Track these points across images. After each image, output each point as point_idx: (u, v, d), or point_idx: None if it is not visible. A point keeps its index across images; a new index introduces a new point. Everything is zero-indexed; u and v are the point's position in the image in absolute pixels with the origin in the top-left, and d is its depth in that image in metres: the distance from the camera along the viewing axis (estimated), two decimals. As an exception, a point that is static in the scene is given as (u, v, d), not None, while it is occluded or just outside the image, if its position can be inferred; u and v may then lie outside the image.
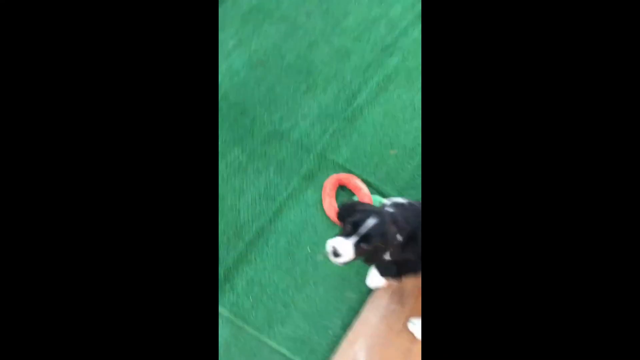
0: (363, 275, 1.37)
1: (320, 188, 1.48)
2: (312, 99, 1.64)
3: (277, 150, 1.54)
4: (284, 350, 1.26)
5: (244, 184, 1.49)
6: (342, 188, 1.49)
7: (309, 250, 1.40)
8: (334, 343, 1.28)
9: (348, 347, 1.22)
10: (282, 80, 1.66)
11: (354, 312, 1.33)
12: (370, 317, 1.25)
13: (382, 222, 1.02)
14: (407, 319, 1.23)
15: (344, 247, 1.00)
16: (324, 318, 1.31)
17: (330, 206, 1.43)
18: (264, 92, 1.64)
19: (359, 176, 1.48)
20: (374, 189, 1.47)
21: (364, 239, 1.00)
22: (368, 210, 1.05)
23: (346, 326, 1.30)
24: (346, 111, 1.61)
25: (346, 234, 1.02)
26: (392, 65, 1.70)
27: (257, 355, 1.25)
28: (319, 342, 1.29)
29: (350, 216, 1.05)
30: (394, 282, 1.23)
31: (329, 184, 1.46)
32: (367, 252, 1.03)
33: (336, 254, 1.00)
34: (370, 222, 1.01)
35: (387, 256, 1.08)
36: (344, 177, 1.48)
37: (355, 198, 1.46)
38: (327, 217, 1.43)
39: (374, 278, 1.29)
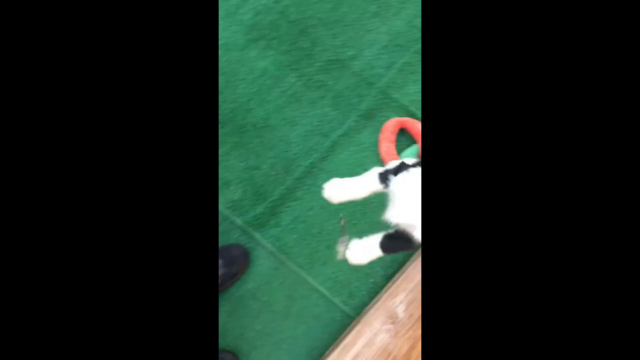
0: (412, 229, 1.31)
1: (378, 129, 1.35)
2: (382, 24, 1.43)
3: (335, 80, 1.39)
4: (323, 290, 1.27)
5: (296, 114, 1.38)
6: (402, 132, 1.36)
7: (359, 196, 1.33)
8: (374, 291, 1.28)
9: (389, 298, 1.21)
10: (350, -4, 1.45)
11: (397, 264, 1.30)
12: (415, 275, 1.22)
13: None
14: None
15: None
16: (366, 265, 1.29)
17: (388, 152, 1.32)
18: (328, 10, 1.44)
19: (423, 121, 1.34)
20: (438, 138, 1.34)
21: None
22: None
23: (388, 277, 1.28)
24: (419, 43, 1.41)
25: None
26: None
27: (297, 290, 1.27)
28: (358, 287, 1.28)
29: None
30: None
31: (390, 126, 1.33)
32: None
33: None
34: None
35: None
36: (407, 120, 1.34)
37: (415, 146, 1.33)
38: (382, 163, 1.33)
39: (357, 253, 1.02)
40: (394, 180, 0.87)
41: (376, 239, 0.94)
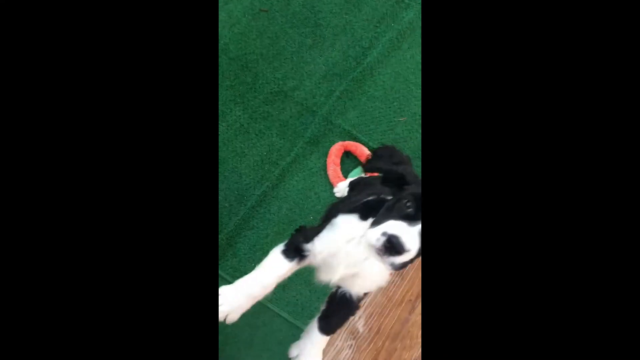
0: (365, 245, 1.38)
1: (325, 154, 1.43)
2: (318, 55, 1.53)
3: (280, 111, 1.46)
4: (285, 315, 1.30)
5: (245, 146, 1.43)
6: (347, 155, 1.44)
7: (312, 219, 1.38)
8: (334, 310, 1.32)
9: (347, 315, 1.26)
10: (286, 31, 1.53)
11: (354, 280, 1.36)
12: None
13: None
14: (406, 292, 1.27)
15: (411, 238, 0.65)
16: (324, 286, 1.34)
17: (335, 174, 1.39)
18: (267, 45, 1.51)
19: (365, 144, 1.43)
20: (380, 157, 1.43)
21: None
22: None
23: (346, 294, 1.34)
24: (355, 71, 1.51)
25: (407, 216, 0.67)
26: (406, 20, 1.56)
27: (259, 319, 1.29)
28: (318, 307, 1.32)
29: (401, 177, 0.72)
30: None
31: (335, 150, 1.41)
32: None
33: (396, 248, 0.65)
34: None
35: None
36: (350, 144, 1.42)
37: (359, 168, 1.42)
38: (332, 185, 1.40)
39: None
40: (314, 247, 0.77)
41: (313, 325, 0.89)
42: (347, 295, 0.84)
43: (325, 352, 1.24)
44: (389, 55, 1.53)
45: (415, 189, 0.70)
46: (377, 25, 1.56)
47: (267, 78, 1.48)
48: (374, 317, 1.27)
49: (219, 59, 1.46)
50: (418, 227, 0.66)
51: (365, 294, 0.88)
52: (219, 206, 1.36)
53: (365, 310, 1.27)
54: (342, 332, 1.25)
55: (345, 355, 1.23)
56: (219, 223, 1.35)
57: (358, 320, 1.26)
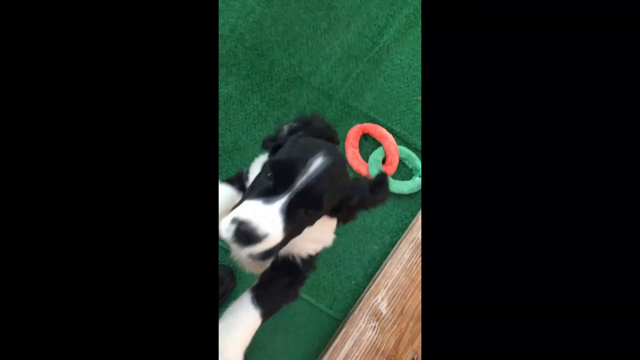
0: (385, 228, 1.37)
1: (343, 138, 1.42)
2: (334, 38, 1.51)
3: (297, 97, 1.46)
4: (308, 297, 1.32)
5: (264, 134, 1.44)
6: (365, 137, 1.43)
7: (332, 203, 1.39)
8: (357, 292, 1.33)
9: (370, 296, 1.26)
10: (300, 17, 1.53)
11: (376, 263, 1.35)
12: (393, 270, 1.27)
13: (335, 163, 0.58)
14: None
15: (269, 220, 0.53)
16: (347, 268, 1.35)
17: (354, 156, 1.38)
18: (281, 32, 1.52)
19: (383, 125, 1.41)
20: (400, 139, 1.40)
21: (303, 198, 0.55)
22: (311, 141, 0.61)
23: (369, 277, 1.34)
24: (371, 51, 1.49)
25: (266, 191, 0.55)
26: (423, -6, 1.51)
27: (283, 302, 1.32)
28: (342, 290, 1.33)
29: (275, 149, 0.61)
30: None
31: (353, 133, 1.40)
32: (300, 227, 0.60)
33: (248, 236, 0.52)
34: (319, 163, 0.56)
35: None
36: (368, 126, 1.41)
37: (381, 148, 1.40)
38: (351, 168, 1.40)
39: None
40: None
41: None
42: (290, 258, 0.70)
43: (348, 334, 1.25)
44: (406, 32, 1.49)
45: (283, 154, 0.57)
46: (393, 2, 1.52)
47: (283, 65, 1.49)
48: (397, 299, 1.26)
49: (236, 49, 1.48)
50: (279, 203, 0.53)
51: (312, 257, 0.73)
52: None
53: (387, 291, 1.27)
54: (364, 314, 1.25)
55: (369, 336, 1.23)
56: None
57: (381, 302, 1.26)
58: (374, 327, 1.24)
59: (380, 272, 1.29)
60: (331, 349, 1.23)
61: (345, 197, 0.63)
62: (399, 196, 1.37)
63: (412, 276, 1.27)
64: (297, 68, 1.49)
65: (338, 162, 0.59)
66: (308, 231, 0.63)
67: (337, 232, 1.32)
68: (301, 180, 0.55)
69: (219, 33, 1.49)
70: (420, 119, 1.41)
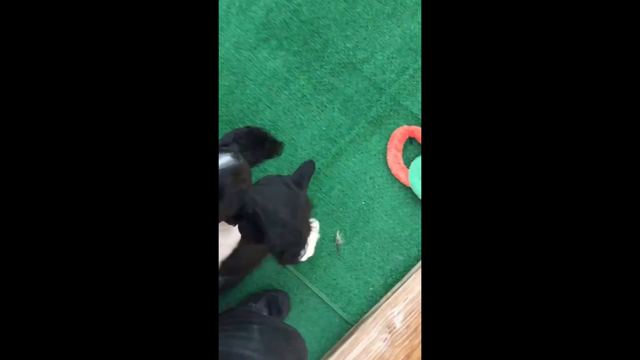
0: (415, 240, 1.31)
1: (387, 137, 1.34)
2: (396, 26, 1.39)
3: (346, 84, 1.37)
4: (322, 296, 1.29)
5: (305, 118, 1.37)
6: (410, 141, 1.34)
7: (364, 204, 1.33)
8: (373, 300, 1.29)
9: (387, 308, 1.23)
10: (365, -4, 1.40)
11: (398, 274, 1.31)
12: (415, 286, 1.23)
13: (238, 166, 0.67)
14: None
15: None
16: (366, 274, 1.31)
17: (395, 160, 1.31)
18: (342, 10, 1.40)
19: (433, 131, 1.31)
20: (447, 149, 1.32)
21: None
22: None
23: (388, 287, 1.30)
24: (434, 48, 1.37)
25: None
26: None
27: (297, 295, 1.29)
28: (358, 294, 1.30)
29: None
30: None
31: (399, 134, 1.32)
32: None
33: None
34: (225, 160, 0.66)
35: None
36: (416, 129, 1.32)
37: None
38: (389, 171, 1.32)
39: None
40: None
41: None
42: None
43: (358, 340, 1.22)
44: (476, 33, 1.36)
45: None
46: None
47: (337, 47, 1.38)
48: (413, 315, 1.22)
49: (290, 21, 1.38)
50: None
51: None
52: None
53: (406, 306, 1.23)
54: (378, 324, 1.22)
55: (379, 347, 1.21)
56: (270, 194, 1.33)
57: (397, 315, 1.22)
58: (385, 338, 1.21)
59: (401, 285, 1.24)
60: (338, 351, 1.21)
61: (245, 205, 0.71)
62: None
63: (434, 296, 1.23)
64: (351, 52, 1.38)
65: (244, 167, 0.69)
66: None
67: (362, 236, 1.27)
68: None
69: None
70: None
